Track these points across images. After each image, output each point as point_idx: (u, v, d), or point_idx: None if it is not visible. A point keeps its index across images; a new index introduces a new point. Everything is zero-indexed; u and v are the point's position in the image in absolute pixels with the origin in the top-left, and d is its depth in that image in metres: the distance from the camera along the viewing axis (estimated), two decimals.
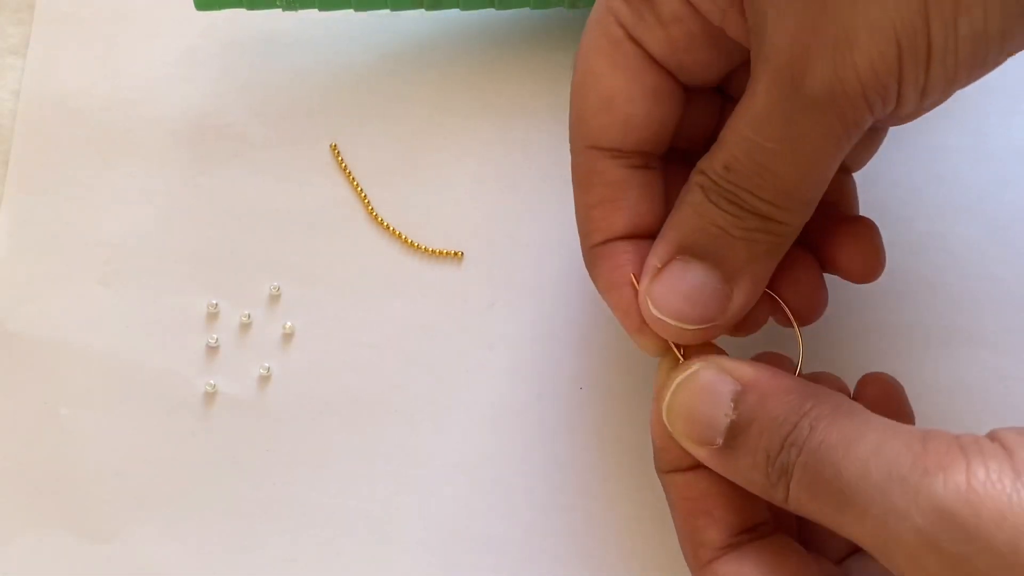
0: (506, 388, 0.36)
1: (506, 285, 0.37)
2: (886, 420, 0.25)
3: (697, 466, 0.28)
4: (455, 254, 0.37)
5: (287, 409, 0.36)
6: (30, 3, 0.39)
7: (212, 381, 0.36)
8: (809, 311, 0.31)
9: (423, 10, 0.37)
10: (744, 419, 0.27)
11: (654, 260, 0.28)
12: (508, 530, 0.35)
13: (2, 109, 0.38)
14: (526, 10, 0.38)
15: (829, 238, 0.30)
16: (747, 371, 0.27)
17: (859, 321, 0.36)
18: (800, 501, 0.25)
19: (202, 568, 0.35)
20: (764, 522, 0.29)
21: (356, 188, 0.38)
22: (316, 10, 0.36)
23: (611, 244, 0.30)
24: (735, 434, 0.27)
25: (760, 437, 0.26)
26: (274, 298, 0.37)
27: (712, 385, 0.27)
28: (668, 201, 0.30)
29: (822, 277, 0.31)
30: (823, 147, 0.26)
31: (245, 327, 0.37)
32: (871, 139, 0.32)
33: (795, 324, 0.30)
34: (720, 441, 0.27)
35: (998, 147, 0.38)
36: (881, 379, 0.31)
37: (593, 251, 0.30)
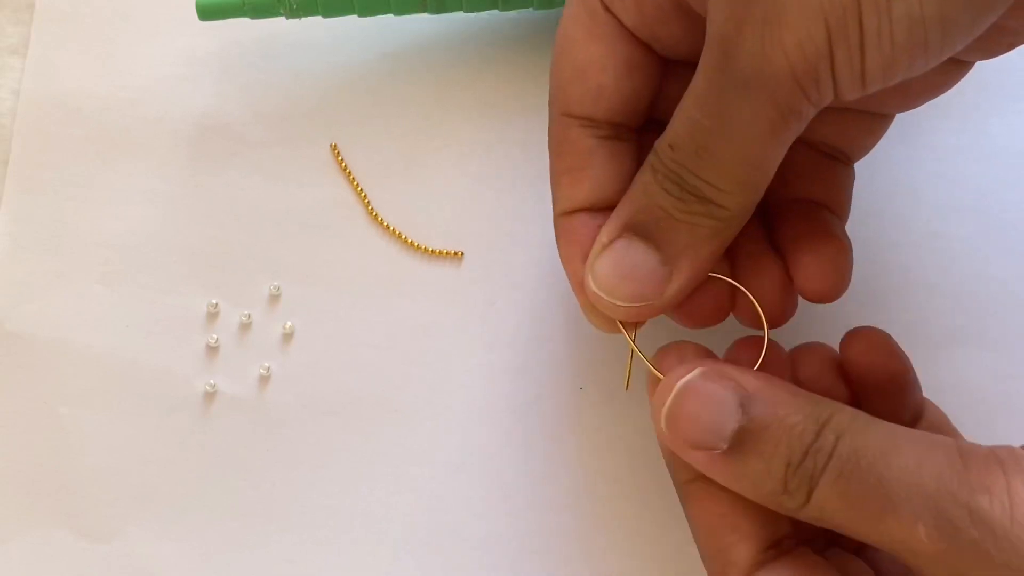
0: (506, 388, 0.36)
1: (506, 285, 0.37)
2: (910, 430, 0.26)
3: None
4: (455, 254, 0.37)
5: (287, 409, 0.36)
6: (30, 3, 0.39)
7: (212, 381, 0.36)
8: (778, 313, 0.30)
9: (426, 13, 0.37)
10: (756, 425, 0.26)
11: (603, 236, 0.29)
12: (508, 530, 0.35)
13: (2, 109, 0.38)
14: (526, 10, 0.38)
15: (795, 250, 0.30)
16: (749, 377, 0.27)
17: (859, 321, 0.36)
18: (824, 508, 0.25)
19: (202, 568, 0.35)
20: (787, 535, 0.28)
21: (356, 188, 0.38)
22: (319, 17, 0.37)
23: (574, 216, 0.30)
24: (744, 440, 0.26)
25: (778, 444, 0.26)
26: (274, 298, 0.37)
27: (716, 390, 0.27)
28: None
29: (790, 281, 0.30)
30: (757, 129, 0.25)
31: (245, 327, 0.37)
32: (874, 124, 0.32)
33: (764, 323, 0.30)
34: (724, 446, 0.26)
35: (998, 147, 0.38)
36: (862, 333, 0.31)
37: (559, 220, 0.31)
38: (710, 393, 0.27)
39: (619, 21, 0.29)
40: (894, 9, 0.23)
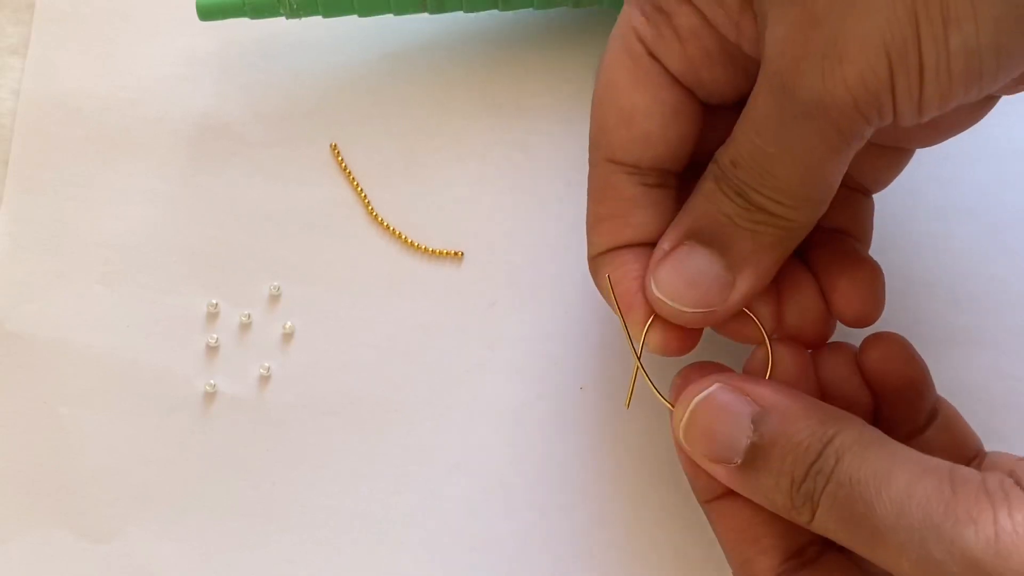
0: (506, 388, 0.36)
1: (506, 285, 0.37)
2: (908, 451, 0.26)
3: (735, 491, 0.29)
4: (455, 254, 0.37)
5: (287, 409, 0.36)
6: (30, 3, 0.39)
7: (212, 381, 0.36)
8: (819, 333, 0.31)
9: (426, 13, 0.37)
10: (766, 441, 0.27)
11: (664, 244, 0.29)
12: (508, 530, 0.35)
13: (2, 109, 0.38)
14: (526, 10, 0.38)
15: (831, 275, 0.30)
16: (765, 391, 0.28)
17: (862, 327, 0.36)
18: (827, 528, 0.26)
19: (202, 568, 0.35)
20: (812, 542, 0.29)
21: (356, 188, 0.38)
22: (319, 17, 0.37)
23: (616, 251, 0.30)
24: (755, 455, 0.27)
25: (783, 461, 0.26)
26: (274, 298, 0.37)
27: (731, 405, 0.27)
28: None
29: (825, 302, 0.31)
30: (820, 153, 0.26)
31: (245, 327, 0.37)
32: (895, 160, 0.32)
33: (765, 338, 0.30)
34: (739, 461, 0.27)
35: (998, 147, 0.38)
36: (882, 338, 0.31)
37: (597, 259, 0.30)
38: (724, 408, 0.27)
39: (663, 67, 0.29)
40: (951, 40, 0.23)
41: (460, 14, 0.39)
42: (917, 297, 0.36)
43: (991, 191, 0.37)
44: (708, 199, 0.28)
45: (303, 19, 0.37)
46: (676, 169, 0.30)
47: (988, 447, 0.31)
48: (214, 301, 0.37)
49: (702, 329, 0.30)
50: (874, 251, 0.37)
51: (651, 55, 0.29)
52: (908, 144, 0.32)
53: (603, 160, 0.30)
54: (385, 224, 0.37)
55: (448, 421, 0.36)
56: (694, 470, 0.29)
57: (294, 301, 0.37)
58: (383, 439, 0.36)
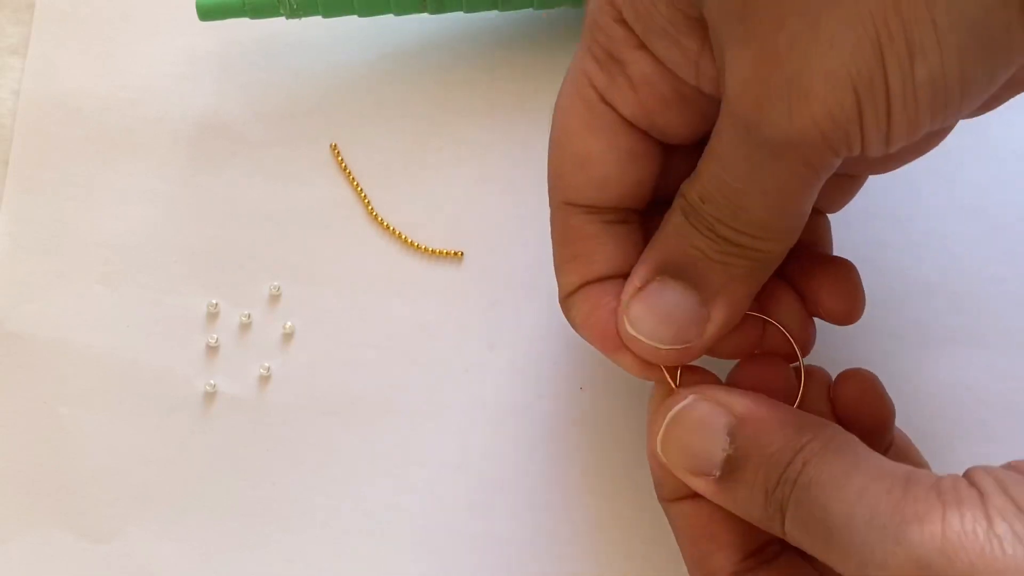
0: (506, 388, 0.36)
1: (506, 285, 0.37)
2: (875, 457, 0.26)
3: (698, 493, 0.29)
4: (455, 254, 0.37)
5: (287, 409, 0.36)
6: (30, 3, 0.39)
7: (212, 381, 0.36)
8: (804, 343, 0.31)
9: (426, 13, 0.37)
10: (741, 454, 0.27)
11: (635, 280, 0.28)
12: (508, 530, 0.35)
13: (2, 109, 0.38)
14: (526, 10, 0.38)
15: (809, 280, 0.30)
16: (741, 403, 0.27)
17: (859, 321, 0.36)
18: (794, 536, 0.26)
19: (202, 568, 0.35)
20: (770, 542, 0.29)
21: (356, 188, 0.38)
22: (319, 17, 0.37)
23: (585, 287, 0.30)
24: (732, 468, 0.27)
25: (757, 472, 0.26)
26: (274, 298, 0.37)
27: (707, 418, 0.27)
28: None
29: (807, 312, 0.31)
30: (791, 188, 0.25)
31: (245, 327, 0.37)
32: (848, 186, 0.32)
33: (799, 355, 0.30)
34: (717, 473, 0.27)
35: (998, 147, 0.38)
36: (858, 376, 0.31)
37: (568, 299, 0.30)
38: (700, 421, 0.27)
39: (617, 113, 0.29)
40: (917, 72, 0.23)
41: (460, 14, 0.39)
42: (917, 297, 0.36)
43: (991, 191, 0.37)
44: (677, 233, 0.27)
45: (303, 19, 0.37)
46: (637, 207, 0.30)
47: (986, 447, 0.31)
48: (214, 301, 0.37)
49: None
50: (875, 251, 0.37)
51: (604, 101, 0.29)
52: (865, 172, 0.32)
53: (561, 203, 0.30)
54: (385, 224, 0.37)
55: (448, 421, 0.36)
56: (661, 471, 0.29)
57: (294, 301, 0.37)
58: (383, 439, 0.36)
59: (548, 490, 0.35)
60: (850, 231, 0.36)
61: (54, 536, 0.35)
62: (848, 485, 0.25)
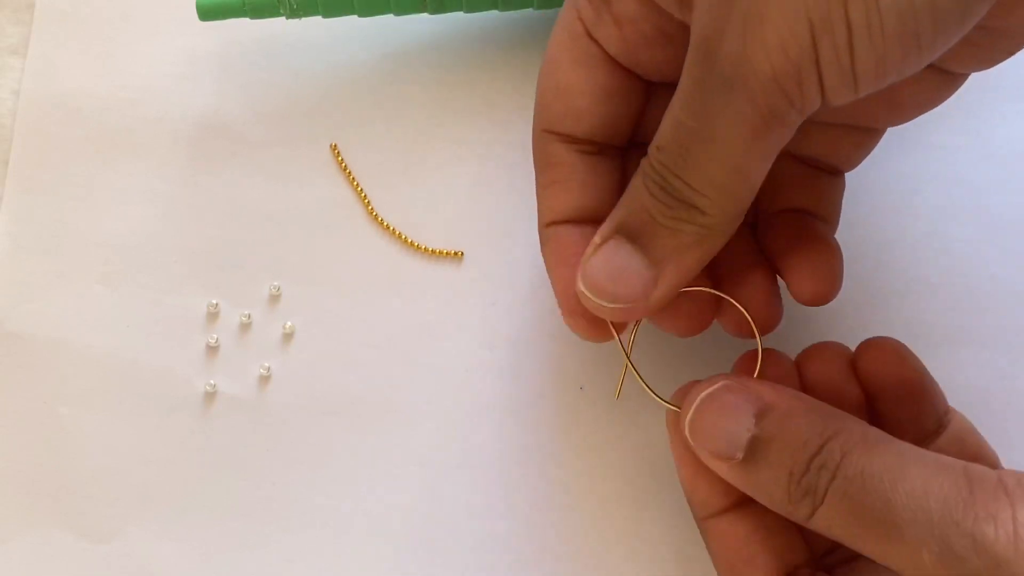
0: (506, 388, 0.36)
1: (506, 285, 0.37)
2: (918, 449, 0.26)
3: (733, 509, 0.29)
4: (455, 254, 0.37)
5: (287, 409, 0.36)
6: (30, 3, 0.39)
7: (212, 381, 0.36)
8: (763, 322, 0.31)
9: (426, 13, 0.37)
10: (766, 435, 0.27)
11: (597, 237, 0.29)
12: (508, 530, 0.35)
13: (2, 109, 0.38)
14: (526, 10, 0.38)
15: (786, 255, 0.31)
16: (768, 391, 0.28)
17: (859, 321, 0.36)
18: (831, 524, 0.26)
19: (202, 568, 0.35)
20: (805, 563, 0.29)
21: (356, 188, 0.38)
22: (319, 17, 0.37)
23: (558, 227, 0.31)
24: (756, 449, 0.27)
25: (782, 454, 0.27)
26: (274, 298, 0.37)
27: (735, 400, 0.28)
28: (624, 189, 0.30)
29: (777, 289, 0.31)
30: (739, 133, 0.25)
31: (245, 327, 0.37)
32: (864, 138, 0.32)
33: (756, 333, 0.30)
34: (740, 455, 0.27)
35: (998, 147, 0.38)
36: (878, 344, 0.31)
37: (544, 231, 0.31)
38: (728, 404, 0.28)
39: (601, 48, 0.30)
40: (882, 1, 0.22)
41: (460, 14, 0.39)
42: (917, 297, 0.36)
43: (991, 191, 0.37)
44: (634, 195, 0.28)
45: (304, 20, 0.37)
46: (614, 142, 0.31)
47: None
48: (214, 301, 0.37)
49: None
50: (875, 251, 0.37)
51: (590, 36, 0.30)
52: (871, 123, 0.31)
53: (541, 131, 0.31)
54: (385, 224, 0.37)
55: (448, 421, 0.36)
56: (693, 486, 0.30)
57: (294, 301, 0.37)
58: (383, 439, 0.36)
59: (548, 490, 0.35)
60: (850, 231, 0.36)
61: (54, 536, 0.35)
62: (907, 478, 0.25)
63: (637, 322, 0.31)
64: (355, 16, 0.37)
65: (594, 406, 0.36)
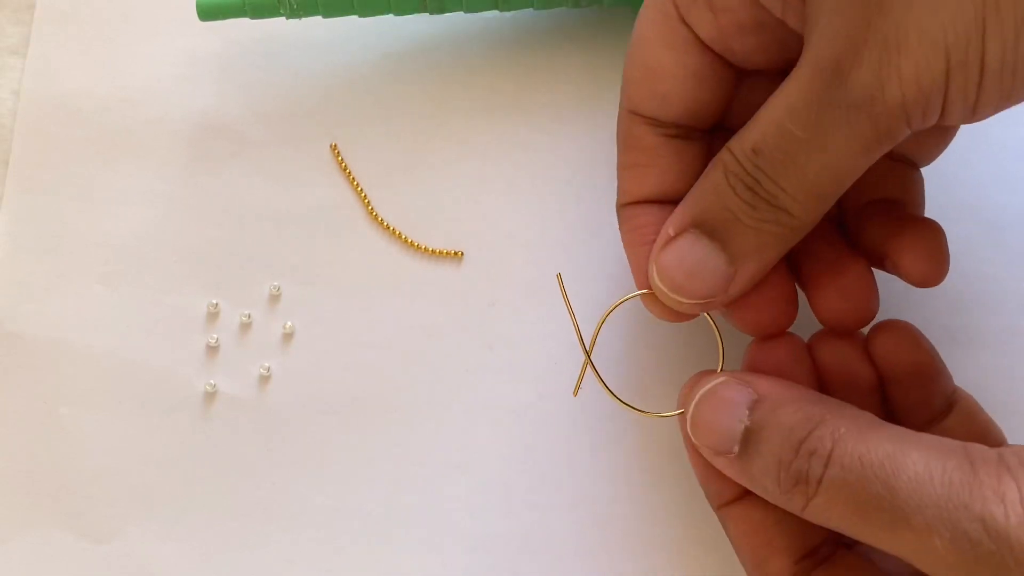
0: (506, 388, 0.36)
1: (506, 285, 0.37)
2: (913, 432, 0.26)
3: (746, 495, 0.29)
4: (455, 254, 0.37)
5: (287, 409, 0.36)
6: (30, 3, 0.39)
7: (212, 381, 0.36)
8: (859, 316, 0.31)
9: (426, 13, 0.37)
10: (756, 426, 0.27)
11: (669, 228, 0.29)
12: (508, 530, 0.35)
13: (2, 109, 0.38)
14: (526, 10, 0.38)
15: (893, 239, 0.30)
16: (763, 382, 0.28)
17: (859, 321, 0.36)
18: (828, 514, 0.26)
19: (202, 568, 0.35)
20: (824, 542, 0.29)
21: (356, 188, 0.38)
22: (319, 17, 0.37)
23: (637, 206, 0.31)
24: (748, 441, 0.27)
25: (771, 443, 0.26)
26: (274, 298, 0.37)
27: (729, 395, 0.28)
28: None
29: (874, 283, 0.31)
30: (851, 147, 0.25)
31: (245, 327, 0.37)
32: (941, 135, 0.32)
33: (720, 341, 0.31)
34: (736, 449, 0.27)
35: (998, 147, 0.38)
36: (891, 326, 0.31)
37: (621, 210, 0.31)
38: (723, 399, 0.28)
39: (693, 32, 0.29)
40: (1022, 44, 0.23)
41: (460, 14, 0.39)
42: (917, 297, 0.36)
43: (991, 191, 0.37)
44: (715, 192, 0.28)
45: (304, 20, 0.37)
46: (701, 126, 0.31)
47: None
48: (214, 301, 0.37)
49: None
50: None
51: (682, 19, 0.29)
52: (959, 122, 0.32)
53: (626, 111, 0.30)
54: (385, 224, 0.37)
55: (448, 421, 0.36)
56: (705, 476, 0.30)
57: (294, 301, 0.37)
58: (383, 439, 0.36)
59: (548, 490, 0.35)
60: None
61: (54, 536, 0.35)
62: (909, 463, 0.24)
63: (602, 321, 0.31)
64: (355, 16, 0.37)
65: (594, 406, 0.36)
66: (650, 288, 0.30)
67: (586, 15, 0.39)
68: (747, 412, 0.27)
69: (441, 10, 0.37)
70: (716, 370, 0.31)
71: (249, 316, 0.37)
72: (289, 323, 0.37)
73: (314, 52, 0.39)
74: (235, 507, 0.35)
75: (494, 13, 0.39)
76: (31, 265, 0.37)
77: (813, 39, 0.26)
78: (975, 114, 0.24)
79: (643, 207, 0.31)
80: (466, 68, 0.39)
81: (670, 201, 0.30)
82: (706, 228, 0.28)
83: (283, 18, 0.36)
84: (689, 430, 0.29)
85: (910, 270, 0.30)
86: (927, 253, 0.30)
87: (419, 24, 0.39)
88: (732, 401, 0.28)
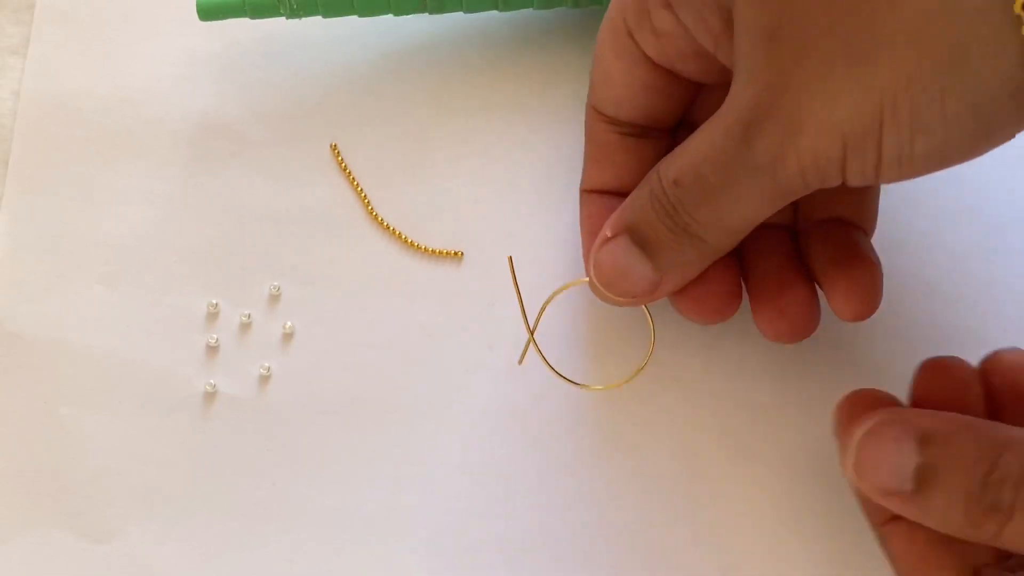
0: (506, 388, 0.36)
1: (506, 285, 0.37)
2: None
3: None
4: (455, 254, 0.37)
5: (287, 409, 0.36)
6: (30, 3, 0.39)
7: (212, 381, 0.36)
8: (795, 333, 0.32)
9: (426, 13, 0.37)
10: (933, 461, 0.27)
11: (607, 229, 0.31)
12: (508, 530, 0.35)
13: (2, 109, 0.38)
14: (526, 10, 0.38)
15: (830, 273, 0.31)
16: (926, 417, 0.28)
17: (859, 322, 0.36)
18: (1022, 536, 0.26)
19: (202, 568, 0.35)
20: (990, 563, 0.29)
21: (356, 188, 0.38)
22: (319, 17, 0.37)
23: (595, 194, 0.33)
24: (924, 477, 0.27)
25: (954, 477, 0.26)
26: (274, 298, 0.37)
27: (894, 434, 0.28)
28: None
29: (817, 300, 0.32)
30: (758, 199, 0.27)
31: (245, 327, 0.37)
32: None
33: (651, 319, 0.33)
34: (909, 488, 0.27)
35: (998, 147, 0.38)
36: (1006, 357, 0.31)
37: (582, 196, 0.34)
38: (889, 439, 0.28)
39: (641, 49, 0.31)
40: (917, 144, 0.24)
41: (460, 14, 0.39)
42: (917, 297, 0.36)
43: (991, 191, 0.37)
44: (642, 208, 0.30)
45: (304, 20, 0.37)
46: (659, 127, 0.32)
47: None
48: (214, 301, 0.37)
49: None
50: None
51: (631, 36, 0.31)
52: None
53: (590, 107, 0.33)
54: (385, 224, 0.37)
55: (448, 421, 0.36)
56: (863, 497, 0.30)
57: (294, 301, 0.37)
58: (383, 439, 0.36)
59: (548, 490, 0.35)
60: None
61: (54, 536, 0.35)
62: None
63: (548, 301, 0.33)
64: (355, 16, 0.37)
65: (594, 407, 0.36)
66: None
67: (586, 15, 0.39)
68: (915, 449, 0.27)
69: (441, 10, 0.37)
70: (869, 390, 0.30)
71: (249, 316, 0.37)
72: (289, 323, 0.37)
73: (314, 52, 0.39)
74: (235, 507, 0.35)
75: (494, 13, 0.39)
76: (31, 265, 0.37)
77: (734, 91, 0.27)
78: (879, 180, 0.26)
79: (601, 196, 0.33)
80: (466, 68, 0.39)
81: (625, 194, 0.31)
82: (635, 238, 0.30)
83: (283, 18, 0.37)
84: (853, 473, 0.28)
85: (836, 306, 0.31)
86: (854, 292, 0.31)
87: (419, 24, 0.39)
88: (898, 439, 0.27)
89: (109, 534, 0.35)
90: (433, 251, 0.37)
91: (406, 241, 0.37)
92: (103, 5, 0.39)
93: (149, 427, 0.36)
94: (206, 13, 0.36)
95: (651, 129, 0.32)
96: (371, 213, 0.37)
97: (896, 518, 0.29)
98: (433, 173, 0.38)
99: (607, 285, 0.31)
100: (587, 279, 0.32)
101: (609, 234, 0.31)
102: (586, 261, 0.32)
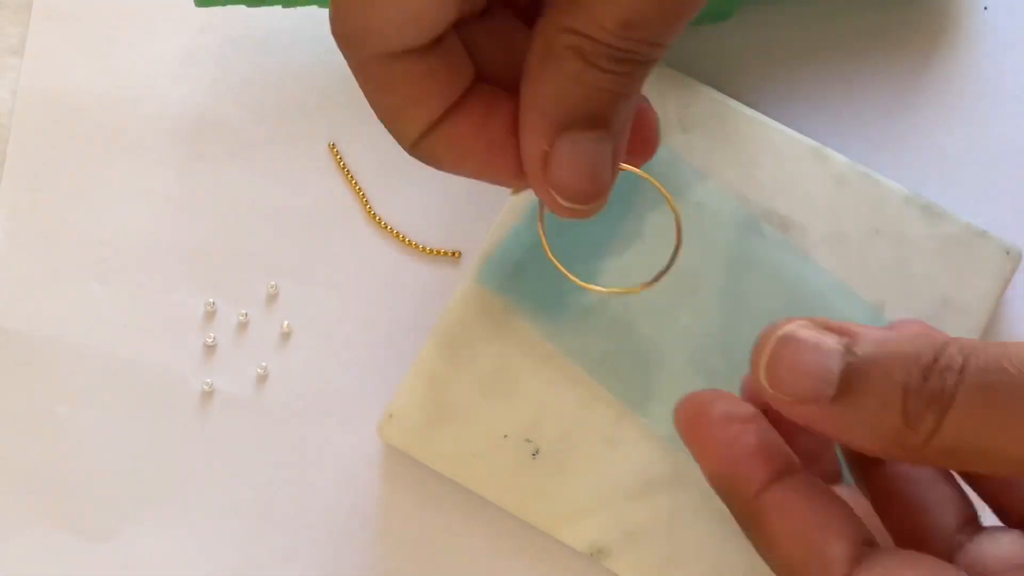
0: None
1: None
2: None
3: (786, 473, 0.26)
4: (454, 254, 0.37)
5: (284, 408, 0.36)
6: (30, 3, 0.39)
7: (209, 380, 0.36)
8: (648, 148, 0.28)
9: None
10: (865, 361, 0.24)
11: (542, 144, 0.25)
12: (507, 530, 0.35)
13: (2, 109, 0.38)
14: None
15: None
16: (853, 326, 0.25)
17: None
18: (965, 430, 0.23)
19: (200, 567, 0.35)
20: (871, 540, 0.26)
21: (355, 188, 0.38)
22: (316, 7, 0.36)
23: (447, 117, 0.27)
24: (852, 378, 0.24)
25: (891, 373, 0.24)
26: (272, 297, 0.37)
27: (818, 337, 0.25)
28: (483, 48, 0.27)
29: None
30: None
31: (243, 326, 0.37)
32: None
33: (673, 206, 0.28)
34: (832, 392, 0.24)
35: (998, 147, 0.38)
36: None
37: (422, 142, 0.27)
38: (811, 339, 0.25)
39: None
40: None
41: None
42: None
43: (991, 191, 0.37)
44: (579, 80, 0.25)
45: (302, 18, 0.37)
46: (474, 13, 0.27)
47: None
48: (211, 300, 0.37)
49: None
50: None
51: None
52: None
53: (374, 56, 0.26)
54: (384, 224, 0.37)
55: None
56: (731, 461, 0.27)
57: (292, 300, 0.37)
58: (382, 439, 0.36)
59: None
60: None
61: (53, 535, 0.35)
62: None
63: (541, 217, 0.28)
64: None
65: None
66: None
67: None
68: (841, 351, 0.24)
69: None
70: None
71: (246, 315, 0.37)
72: (287, 322, 0.37)
73: (313, 51, 0.39)
74: (233, 506, 0.35)
75: None
76: (28, 263, 0.37)
77: None
78: None
79: (455, 112, 0.27)
80: None
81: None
82: (583, 122, 0.25)
83: (280, 10, 0.36)
84: (764, 379, 0.25)
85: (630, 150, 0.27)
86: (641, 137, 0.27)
87: None
88: (822, 341, 0.25)
89: (107, 532, 0.35)
90: (431, 251, 0.37)
91: (404, 241, 0.37)
92: (100, 3, 0.39)
93: (146, 426, 0.36)
94: (203, 0, 0.36)
95: (465, 20, 0.26)
96: (369, 212, 0.37)
97: (772, 483, 0.26)
98: (432, 173, 0.38)
99: (580, 198, 0.26)
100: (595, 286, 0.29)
101: (548, 146, 0.25)
102: (511, 167, 0.27)
